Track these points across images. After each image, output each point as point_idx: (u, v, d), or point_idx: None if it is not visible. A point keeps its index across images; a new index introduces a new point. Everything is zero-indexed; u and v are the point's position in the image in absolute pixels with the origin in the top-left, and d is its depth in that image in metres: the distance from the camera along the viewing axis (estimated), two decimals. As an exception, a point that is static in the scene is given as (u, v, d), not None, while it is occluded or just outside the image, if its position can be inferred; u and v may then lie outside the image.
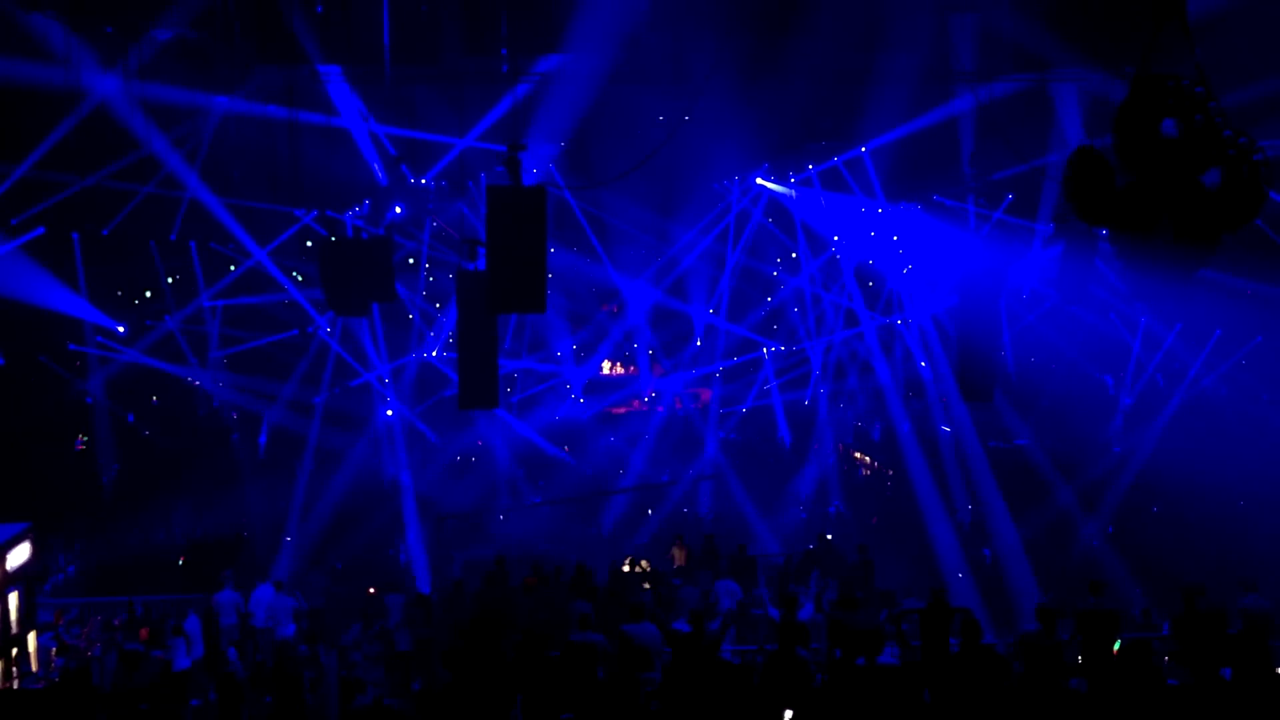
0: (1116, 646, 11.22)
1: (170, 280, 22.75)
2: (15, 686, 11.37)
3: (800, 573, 15.91)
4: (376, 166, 19.92)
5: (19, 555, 11.57)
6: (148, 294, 22.83)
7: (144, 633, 12.60)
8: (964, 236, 20.41)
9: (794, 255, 24.28)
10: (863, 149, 20.44)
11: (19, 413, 21.16)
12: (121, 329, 22.20)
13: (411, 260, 22.76)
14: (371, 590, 16.17)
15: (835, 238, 23.26)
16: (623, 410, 26.50)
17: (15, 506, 13.89)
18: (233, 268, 22.24)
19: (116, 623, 13.80)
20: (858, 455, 26.43)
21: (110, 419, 22.76)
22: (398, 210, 21.07)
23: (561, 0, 15.79)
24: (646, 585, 15.08)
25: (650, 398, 25.84)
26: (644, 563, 17.10)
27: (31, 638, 12.29)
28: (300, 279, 22.17)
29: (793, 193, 22.50)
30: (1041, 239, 20.32)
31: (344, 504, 21.56)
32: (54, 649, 12.68)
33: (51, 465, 21.11)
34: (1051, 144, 18.29)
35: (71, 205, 19.38)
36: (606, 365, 27.08)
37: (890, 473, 24.74)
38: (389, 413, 23.85)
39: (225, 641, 13.54)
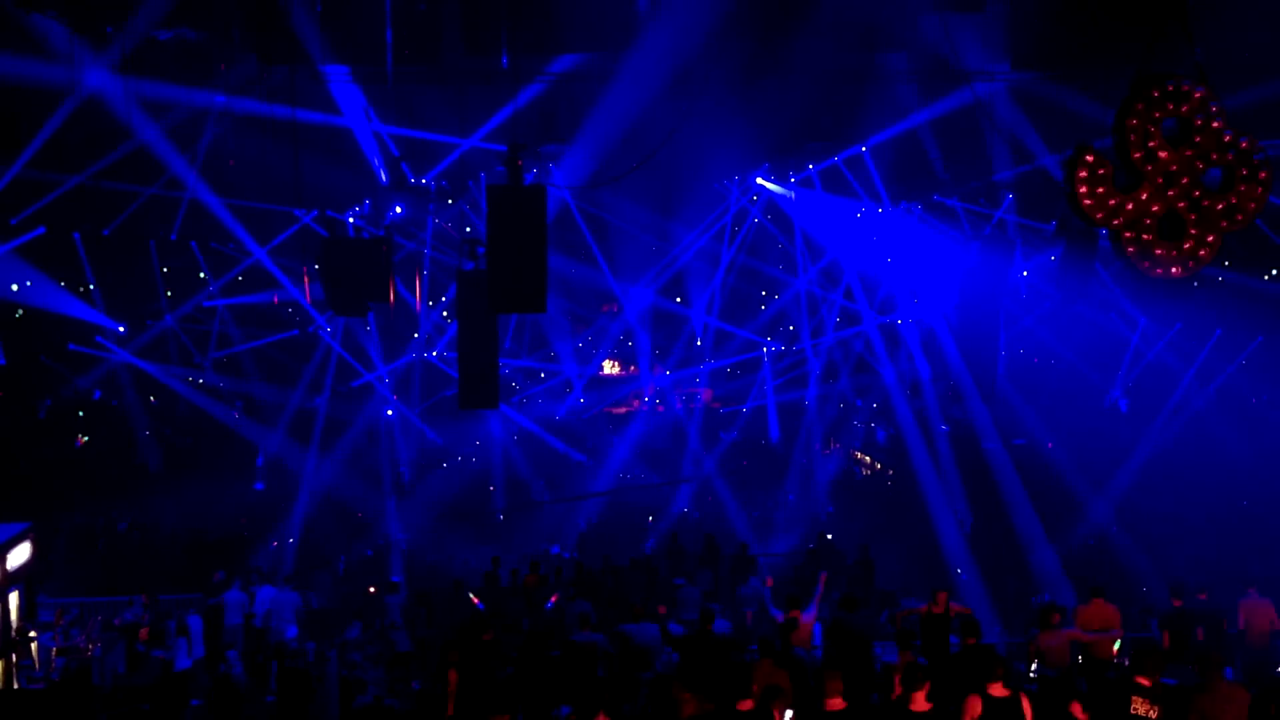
0: (1116, 646, 11.25)
1: (169, 280, 22.78)
2: (16, 686, 11.37)
3: (806, 571, 15.96)
4: (377, 166, 19.92)
5: (19, 555, 11.57)
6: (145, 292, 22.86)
7: (144, 633, 12.59)
8: (964, 237, 20.40)
9: (793, 256, 24.29)
10: (863, 148, 20.44)
11: (21, 411, 21.21)
12: (122, 329, 22.24)
13: (413, 260, 22.80)
14: (372, 590, 16.18)
15: (834, 238, 23.27)
16: (623, 410, 26.54)
17: (17, 506, 13.90)
18: (240, 272, 22.30)
19: (118, 622, 13.78)
20: (859, 455, 26.45)
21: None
22: (398, 210, 21.08)
23: (561, 1, 15.78)
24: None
25: (649, 397, 25.86)
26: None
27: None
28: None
29: (791, 194, 22.50)
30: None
31: (346, 504, 21.61)
32: (54, 649, 12.66)
33: (53, 463, 21.12)
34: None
35: (72, 205, 19.39)
36: (608, 365, 27.13)
37: (891, 473, 24.74)
38: (389, 412, 23.87)
39: (228, 641, 13.54)
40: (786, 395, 25.33)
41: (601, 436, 25.47)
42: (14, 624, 11.45)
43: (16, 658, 11.55)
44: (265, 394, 23.47)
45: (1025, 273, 21.91)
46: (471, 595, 14.28)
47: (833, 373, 25.24)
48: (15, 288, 20.35)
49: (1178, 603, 11.55)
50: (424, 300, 23.39)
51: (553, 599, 14.13)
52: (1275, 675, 11.12)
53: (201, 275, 22.59)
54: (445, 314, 24.17)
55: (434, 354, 24.21)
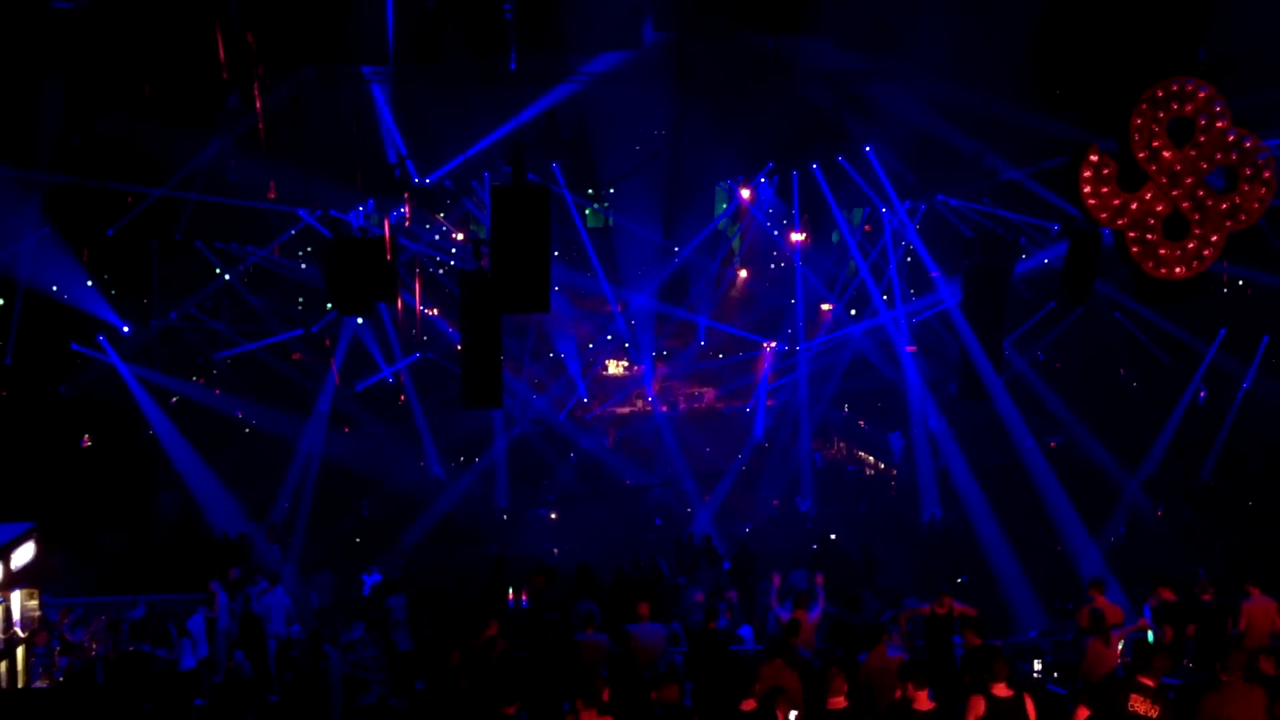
0: (1120, 645, 11.23)
1: (173, 280, 22.80)
2: (21, 685, 11.40)
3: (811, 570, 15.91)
4: (383, 165, 19.90)
5: (23, 555, 11.59)
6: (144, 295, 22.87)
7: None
8: (968, 235, 20.37)
9: (794, 255, 24.29)
10: (867, 148, 20.40)
11: (25, 411, 21.22)
12: (126, 329, 22.26)
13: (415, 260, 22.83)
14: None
15: (838, 236, 23.29)
16: (625, 410, 26.54)
17: (21, 505, 13.90)
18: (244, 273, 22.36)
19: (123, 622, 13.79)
20: (863, 455, 26.46)
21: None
22: (403, 210, 21.08)
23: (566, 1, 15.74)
24: None
25: (652, 398, 25.86)
26: None
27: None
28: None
29: (793, 192, 22.51)
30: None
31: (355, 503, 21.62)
32: (58, 649, 12.68)
33: (57, 463, 21.13)
34: None
35: (78, 206, 19.37)
36: (611, 365, 27.14)
37: (895, 473, 24.72)
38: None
39: (224, 644, 13.49)
40: (788, 395, 25.31)
41: (603, 436, 25.47)
42: (16, 625, 11.48)
43: (26, 649, 11.59)
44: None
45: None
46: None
47: (832, 373, 25.24)
48: (20, 285, 20.35)
49: (1173, 598, 11.52)
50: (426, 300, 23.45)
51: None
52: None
53: (206, 275, 22.61)
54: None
55: (432, 352, 24.28)
